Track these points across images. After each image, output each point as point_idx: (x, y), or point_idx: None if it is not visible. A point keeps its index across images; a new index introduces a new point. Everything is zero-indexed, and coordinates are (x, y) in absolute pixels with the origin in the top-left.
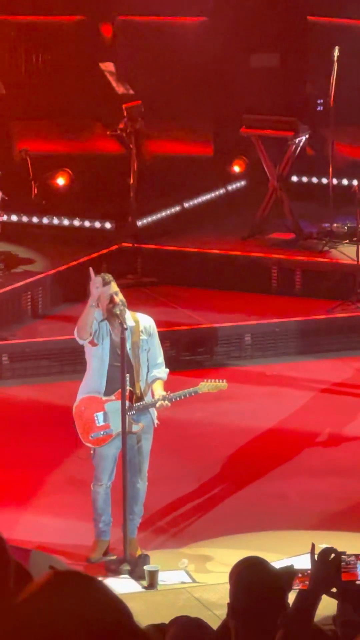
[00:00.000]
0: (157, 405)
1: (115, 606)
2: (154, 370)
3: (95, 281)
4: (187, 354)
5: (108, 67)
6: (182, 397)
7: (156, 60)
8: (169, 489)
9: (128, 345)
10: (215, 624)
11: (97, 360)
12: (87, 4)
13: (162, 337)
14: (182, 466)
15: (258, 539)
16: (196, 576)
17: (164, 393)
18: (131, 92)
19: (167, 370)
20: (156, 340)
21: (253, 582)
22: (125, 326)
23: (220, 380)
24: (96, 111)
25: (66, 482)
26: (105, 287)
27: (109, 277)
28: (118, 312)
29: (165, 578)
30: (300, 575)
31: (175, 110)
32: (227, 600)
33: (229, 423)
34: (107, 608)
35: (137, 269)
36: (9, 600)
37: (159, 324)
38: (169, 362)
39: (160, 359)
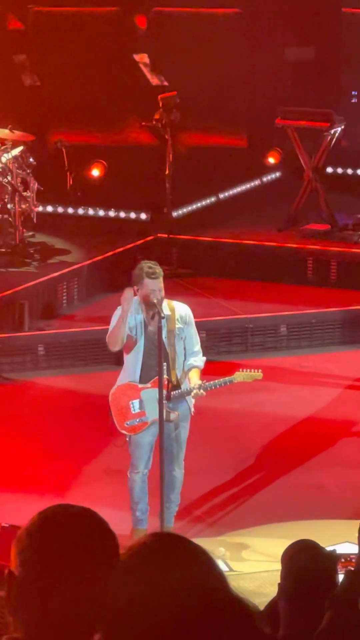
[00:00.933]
0: (192, 394)
1: (215, 569)
2: (191, 358)
3: (127, 296)
4: (223, 344)
5: (142, 58)
6: (218, 386)
7: (191, 52)
8: (205, 478)
9: (164, 334)
10: None
11: (133, 350)
12: None
13: (198, 327)
14: (219, 456)
15: (295, 528)
16: (233, 565)
17: (199, 382)
18: (165, 83)
19: (204, 358)
20: (193, 329)
21: (305, 564)
22: (162, 315)
23: (256, 370)
24: (131, 102)
25: (103, 472)
26: (154, 280)
27: (159, 270)
28: (155, 301)
29: None
30: (343, 560)
31: (210, 102)
32: (264, 589)
33: (265, 413)
34: (208, 571)
35: (173, 259)
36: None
37: (194, 314)
38: (205, 352)
39: (197, 347)
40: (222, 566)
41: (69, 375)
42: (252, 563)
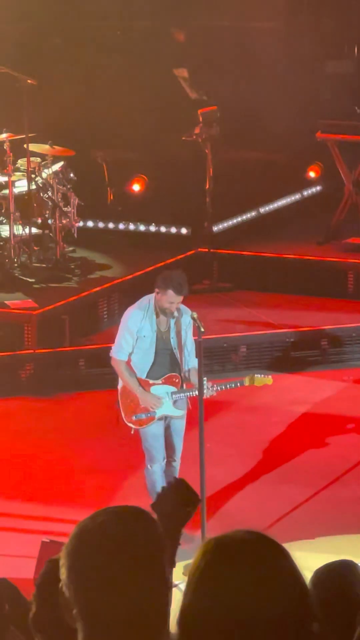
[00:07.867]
0: (205, 393)
1: (298, 569)
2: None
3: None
4: (264, 358)
5: (182, 73)
6: (228, 388)
7: (231, 66)
8: (245, 491)
9: (174, 335)
10: None
11: (142, 349)
12: (160, 9)
13: (239, 341)
14: (258, 467)
15: (337, 542)
16: None
17: (210, 383)
18: (205, 97)
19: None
20: (191, 330)
21: (333, 592)
22: (174, 315)
23: (266, 375)
24: (171, 117)
25: (143, 487)
26: (177, 296)
27: (186, 290)
28: (168, 312)
29: None
30: None
31: (250, 116)
32: None
33: (307, 425)
34: (297, 570)
35: (213, 274)
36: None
37: (235, 328)
38: (247, 363)
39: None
40: None
41: (108, 391)
42: None
